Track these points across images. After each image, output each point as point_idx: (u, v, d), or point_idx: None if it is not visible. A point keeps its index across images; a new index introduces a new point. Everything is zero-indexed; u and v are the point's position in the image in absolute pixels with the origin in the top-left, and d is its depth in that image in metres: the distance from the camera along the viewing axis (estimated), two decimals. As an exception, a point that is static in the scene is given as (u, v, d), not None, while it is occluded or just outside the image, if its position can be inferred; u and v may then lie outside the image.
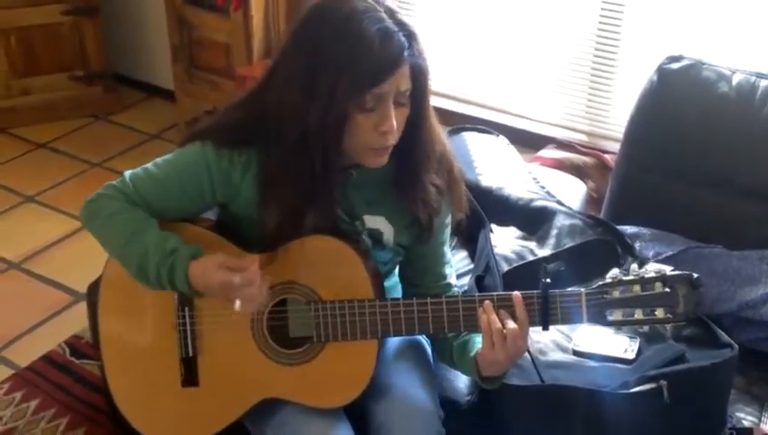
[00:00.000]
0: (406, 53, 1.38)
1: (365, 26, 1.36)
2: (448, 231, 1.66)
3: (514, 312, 1.44)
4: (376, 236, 1.57)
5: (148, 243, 1.47)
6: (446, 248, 1.66)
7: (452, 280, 1.68)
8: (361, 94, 1.37)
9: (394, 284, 1.71)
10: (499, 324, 1.42)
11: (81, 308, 2.51)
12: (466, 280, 1.97)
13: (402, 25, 1.39)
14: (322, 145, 1.41)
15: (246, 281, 1.40)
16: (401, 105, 1.42)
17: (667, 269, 1.41)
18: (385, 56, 1.36)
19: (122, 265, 1.52)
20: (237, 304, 1.42)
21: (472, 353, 1.52)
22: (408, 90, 1.42)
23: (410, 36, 1.40)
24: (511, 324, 1.42)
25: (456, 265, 2.04)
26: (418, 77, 1.42)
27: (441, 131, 1.57)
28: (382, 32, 1.36)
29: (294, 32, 1.46)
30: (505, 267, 1.91)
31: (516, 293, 1.45)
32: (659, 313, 1.40)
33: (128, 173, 1.54)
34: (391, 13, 1.40)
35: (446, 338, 1.60)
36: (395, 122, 1.40)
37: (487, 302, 1.45)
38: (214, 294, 1.46)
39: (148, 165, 1.54)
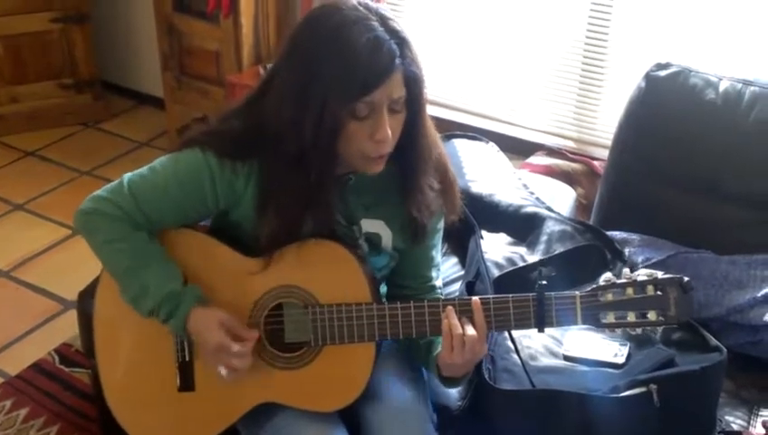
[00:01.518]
0: (397, 61, 1.38)
1: (355, 36, 1.36)
2: (440, 235, 1.67)
3: (473, 317, 1.45)
4: (374, 240, 1.58)
5: (149, 279, 1.47)
6: (436, 252, 1.67)
7: (437, 283, 1.69)
8: (352, 103, 1.38)
9: (384, 294, 1.72)
10: (459, 330, 1.44)
11: (71, 316, 2.50)
12: (457, 286, 1.98)
13: (394, 33, 1.39)
14: (318, 154, 1.42)
15: (240, 353, 1.46)
16: (396, 112, 1.43)
17: (659, 273, 1.43)
18: (375, 65, 1.37)
19: (120, 289, 1.52)
20: (223, 371, 1.48)
21: (434, 353, 1.54)
22: (403, 97, 1.42)
23: (402, 44, 1.40)
24: (470, 330, 1.44)
25: (447, 272, 2.05)
26: (412, 84, 1.42)
27: (437, 135, 1.58)
28: (372, 41, 1.36)
29: (288, 42, 1.47)
30: (496, 273, 1.92)
31: (475, 298, 1.46)
32: (651, 315, 1.42)
33: (126, 178, 1.51)
34: (384, 21, 1.40)
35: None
36: (389, 130, 1.41)
37: (449, 307, 1.46)
38: (202, 347, 1.50)
39: (145, 170, 1.52)
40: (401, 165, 1.51)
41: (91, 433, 2.19)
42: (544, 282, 1.46)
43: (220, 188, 1.49)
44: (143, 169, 1.52)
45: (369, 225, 1.57)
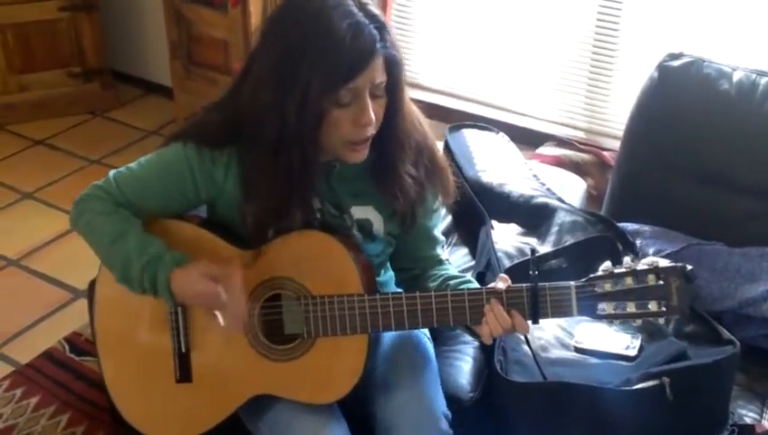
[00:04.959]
0: (378, 46, 1.38)
1: (335, 21, 1.36)
2: (438, 215, 1.66)
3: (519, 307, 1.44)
4: (366, 227, 1.57)
5: (130, 247, 1.47)
6: (437, 232, 1.67)
7: (443, 256, 1.69)
8: (336, 90, 1.38)
9: (389, 278, 1.71)
10: (509, 323, 1.43)
11: (81, 305, 2.51)
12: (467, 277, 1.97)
13: (373, 18, 1.40)
14: (301, 142, 1.41)
15: (229, 292, 1.41)
16: (378, 97, 1.43)
17: (661, 261, 1.38)
18: (357, 50, 1.37)
19: (108, 269, 1.52)
20: (220, 319, 1.44)
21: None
22: (384, 82, 1.42)
23: (381, 28, 1.40)
24: (518, 318, 1.44)
25: (457, 262, 2.05)
26: (392, 68, 1.43)
27: (422, 121, 1.57)
28: (353, 26, 1.36)
29: (265, 29, 1.47)
30: (507, 264, 1.91)
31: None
32: (652, 306, 1.37)
33: (112, 172, 1.55)
34: (361, 5, 1.40)
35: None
36: (372, 115, 1.41)
37: (493, 300, 1.44)
38: (196, 305, 1.48)
39: (132, 164, 1.56)
40: (379, 151, 1.50)
41: (101, 422, 2.20)
42: (537, 272, 1.43)
43: (200, 180, 1.50)
44: (129, 165, 1.55)
45: (359, 211, 1.57)
